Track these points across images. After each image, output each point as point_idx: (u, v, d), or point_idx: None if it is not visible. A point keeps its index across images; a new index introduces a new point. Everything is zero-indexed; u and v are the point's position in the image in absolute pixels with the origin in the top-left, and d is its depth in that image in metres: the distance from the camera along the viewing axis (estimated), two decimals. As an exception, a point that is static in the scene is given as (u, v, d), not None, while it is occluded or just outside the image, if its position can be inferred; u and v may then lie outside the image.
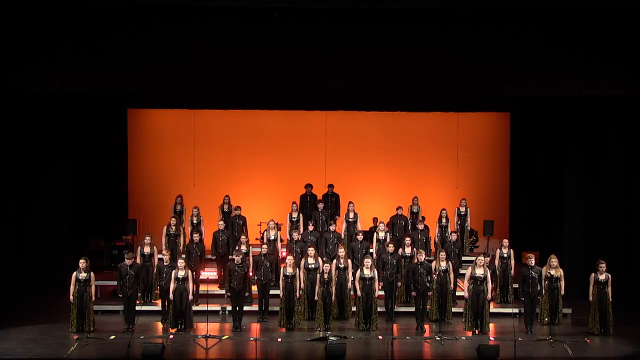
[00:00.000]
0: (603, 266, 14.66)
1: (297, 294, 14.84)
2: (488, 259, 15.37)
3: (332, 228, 16.78)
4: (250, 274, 15.43)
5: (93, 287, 14.43)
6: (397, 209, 17.89)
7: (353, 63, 15.86)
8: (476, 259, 14.69)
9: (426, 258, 15.24)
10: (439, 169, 20.78)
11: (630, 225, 17.22)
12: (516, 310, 15.52)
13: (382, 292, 15.47)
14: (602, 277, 14.63)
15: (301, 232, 16.72)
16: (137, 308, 14.84)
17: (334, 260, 15.34)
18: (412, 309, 15.20)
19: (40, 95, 16.75)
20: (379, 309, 14.99)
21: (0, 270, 16.70)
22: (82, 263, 14.40)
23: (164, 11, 15.45)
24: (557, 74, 15.87)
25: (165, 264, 14.92)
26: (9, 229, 17.09)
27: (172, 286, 14.45)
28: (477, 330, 14.58)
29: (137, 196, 20.42)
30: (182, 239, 17.00)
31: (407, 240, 16.03)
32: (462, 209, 18.19)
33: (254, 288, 15.69)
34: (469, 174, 20.74)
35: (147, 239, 15.99)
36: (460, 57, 15.80)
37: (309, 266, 14.94)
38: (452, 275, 15.33)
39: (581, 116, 17.68)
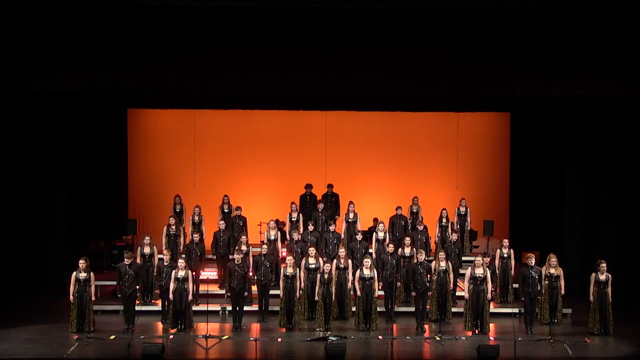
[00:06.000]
0: (604, 266, 14.66)
1: (297, 294, 14.84)
2: (488, 259, 15.37)
3: (332, 228, 16.77)
4: (250, 274, 15.43)
5: (93, 287, 14.44)
6: (397, 209, 17.89)
7: (353, 63, 15.85)
8: (475, 259, 14.70)
9: (426, 258, 15.24)
10: (439, 169, 20.79)
11: (630, 225, 17.22)
12: (516, 310, 15.52)
13: (382, 292, 15.48)
14: (602, 277, 14.63)
15: (301, 232, 16.71)
16: (137, 308, 14.84)
17: (334, 261, 15.34)
18: (412, 309, 15.20)
19: (40, 96, 16.75)
20: (379, 309, 15.00)
21: (0, 270, 16.69)
22: (81, 263, 14.41)
23: (164, 11, 15.43)
24: (557, 74, 15.86)
25: (165, 264, 14.92)
26: (9, 229, 17.08)
27: (172, 286, 14.45)
28: (477, 330, 14.58)
29: (137, 196, 20.42)
30: (182, 239, 17.00)
31: (407, 240, 16.03)
32: (462, 209, 18.18)
33: (254, 288, 15.69)
34: (469, 174, 20.75)
35: (147, 239, 15.99)
36: (460, 57, 15.79)
37: (310, 266, 14.94)
38: (451, 275, 15.33)
39: (581, 116, 17.68)
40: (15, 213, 17.24)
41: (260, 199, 20.07)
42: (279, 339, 14.14)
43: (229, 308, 15.33)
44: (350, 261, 15.42)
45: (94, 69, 15.62)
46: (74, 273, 14.42)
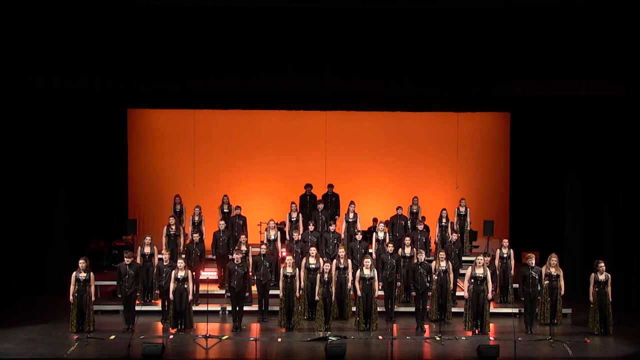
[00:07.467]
0: (602, 266, 14.66)
1: (297, 294, 14.84)
2: (488, 259, 15.37)
3: (332, 228, 16.76)
4: (250, 274, 15.43)
5: (93, 287, 14.44)
6: (397, 209, 17.89)
7: (353, 63, 15.86)
8: (476, 259, 14.70)
9: (426, 258, 15.24)
10: (438, 169, 20.79)
11: (630, 225, 17.21)
12: (516, 310, 15.52)
13: (382, 292, 15.48)
14: (602, 277, 14.64)
15: (301, 232, 16.71)
16: (137, 308, 14.84)
17: (334, 261, 15.34)
18: (412, 309, 15.20)
19: (40, 96, 16.75)
20: (379, 309, 15.00)
21: (0, 270, 16.70)
22: (81, 263, 14.42)
23: (164, 11, 15.44)
24: (557, 74, 15.87)
25: (165, 264, 14.92)
26: (9, 229, 17.08)
27: (172, 286, 14.45)
28: (477, 330, 14.58)
29: (137, 196, 20.43)
30: (182, 239, 17.00)
31: (407, 240, 16.03)
32: (462, 209, 18.17)
33: (254, 288, 15.69)
34: (469, 174, 20.75)
35: (148, 239, 15.98)
36: (460, 57, 15.80)
37: (310, 266, 14.94)
38: (451, 275, 15.34)
39: (581, 116, 17.68)
40: (15, 213, 17.24)
41: (260, 199, 20.07)
42: (279, 339, 14.14)
43: (229, 308, 15.33)
44: (350, 261, 15.42)
45: (94, 68, 15.63)
46: (74, 273, 14.43)
